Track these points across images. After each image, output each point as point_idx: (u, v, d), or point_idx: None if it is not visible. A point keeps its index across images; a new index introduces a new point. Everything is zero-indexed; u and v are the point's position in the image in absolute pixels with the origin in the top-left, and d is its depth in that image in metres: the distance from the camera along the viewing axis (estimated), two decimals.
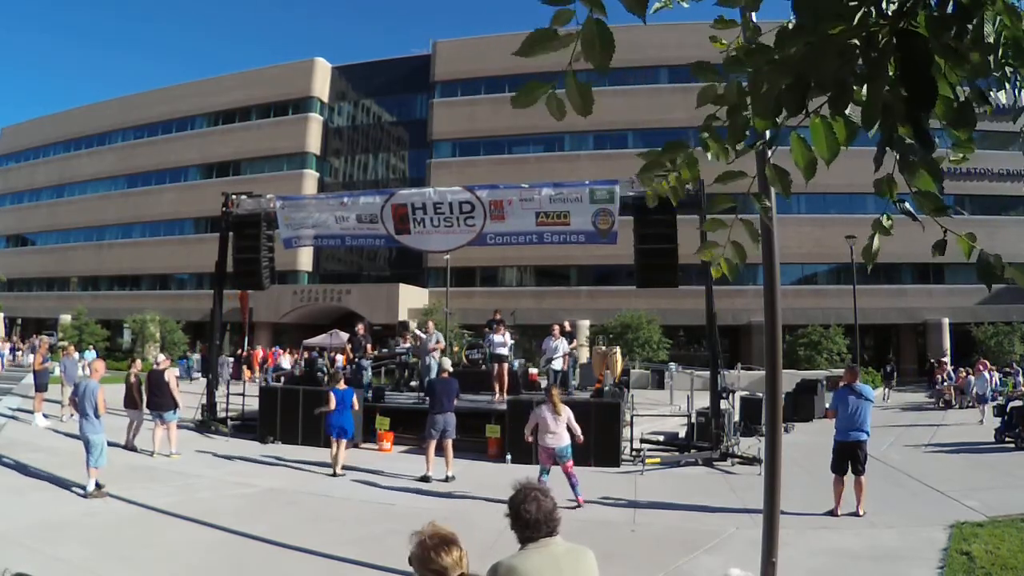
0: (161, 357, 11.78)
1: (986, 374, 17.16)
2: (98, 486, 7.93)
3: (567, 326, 14.81)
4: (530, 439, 8.21)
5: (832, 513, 7.59)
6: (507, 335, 13.47)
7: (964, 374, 21.44)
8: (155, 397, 11.01)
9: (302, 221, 14.35)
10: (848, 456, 7.63)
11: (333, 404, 9.80)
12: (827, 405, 8.07)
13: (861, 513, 7.48)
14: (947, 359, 28.88)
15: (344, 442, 9.84)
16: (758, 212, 2.16)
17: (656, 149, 1.92)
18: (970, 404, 20.04)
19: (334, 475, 9.59)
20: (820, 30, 1.39)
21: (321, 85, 43.95)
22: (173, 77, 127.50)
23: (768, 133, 1.76)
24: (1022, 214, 31.69)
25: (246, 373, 25.95)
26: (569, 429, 7.99)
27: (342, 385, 10.20)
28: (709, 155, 1.91)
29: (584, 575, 2.37)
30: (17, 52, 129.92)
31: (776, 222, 3.08)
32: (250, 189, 16.84)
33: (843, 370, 8.74)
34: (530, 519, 2.37)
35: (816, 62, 1.41)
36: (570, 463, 8.01)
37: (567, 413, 8.02)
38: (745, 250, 2.08)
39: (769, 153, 1.99)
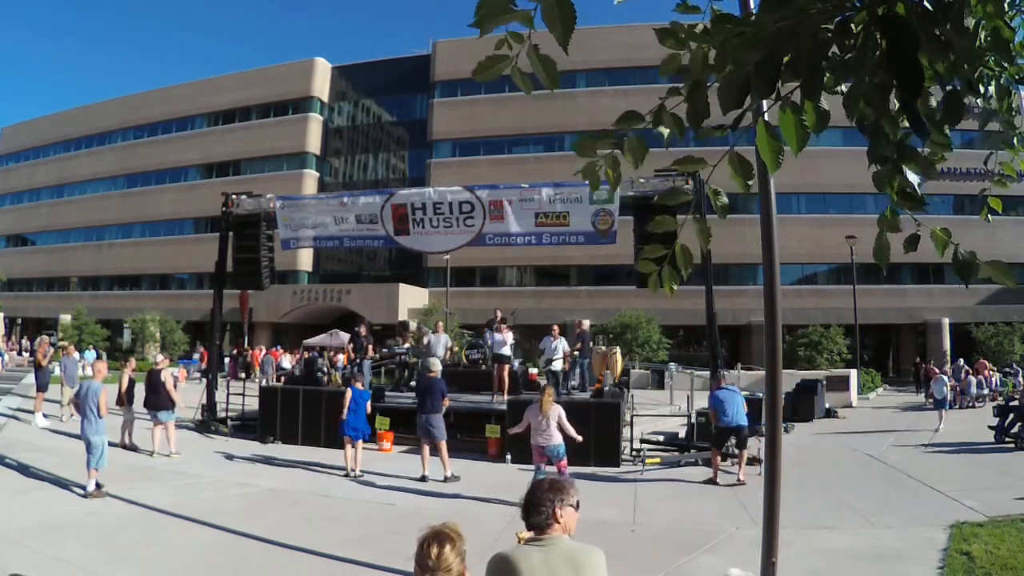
0: (160, 357, 11.80)
1: (944, 378, 16.28)
2: (98, 486, 7.93)
3: (584, 326, 14.77)
4: (514, 431, 8.45)
5: (712, 481, 9.39)
6: (509, 335, 13.43)
7: (964, 374, 21.47)
8: (151, 396, 11.00)
9: (301, 222, 14.35)
10: (731, 434, 9.65)
11: (348, 402, 9.81)
12: (707, 406, 10.40)
13: (742, 479, 9.27)
14: (941, 360, 28.86)
15: (360, 443, 9.84)
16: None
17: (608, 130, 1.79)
18: (970, 404, 20.06)
19: (348, 475, 9.56)
20: (795, 5, 1.33)
21: (321, 85, 43.96)
22: (173, 77, 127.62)
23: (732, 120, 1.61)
24: (1022, 214, 31.69)
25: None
26: (561, 429, 7.95)
27: (360, 386, 10.20)
28: (665, 137, 1.78)
29: (578, 569, 2.28)
30: (17, 52, 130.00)
31: (776, 222, 3.06)
32: (250, 189, 16.83)
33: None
34: (532, 498, 2.39)
35: (788, 40, 1.34)
36: (563, 463, 7.99)
37: (557, 412, 7.98)
38: (692, 255, 1.86)
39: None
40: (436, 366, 10.07)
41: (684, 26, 1.80)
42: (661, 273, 1.89)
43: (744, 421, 9.60)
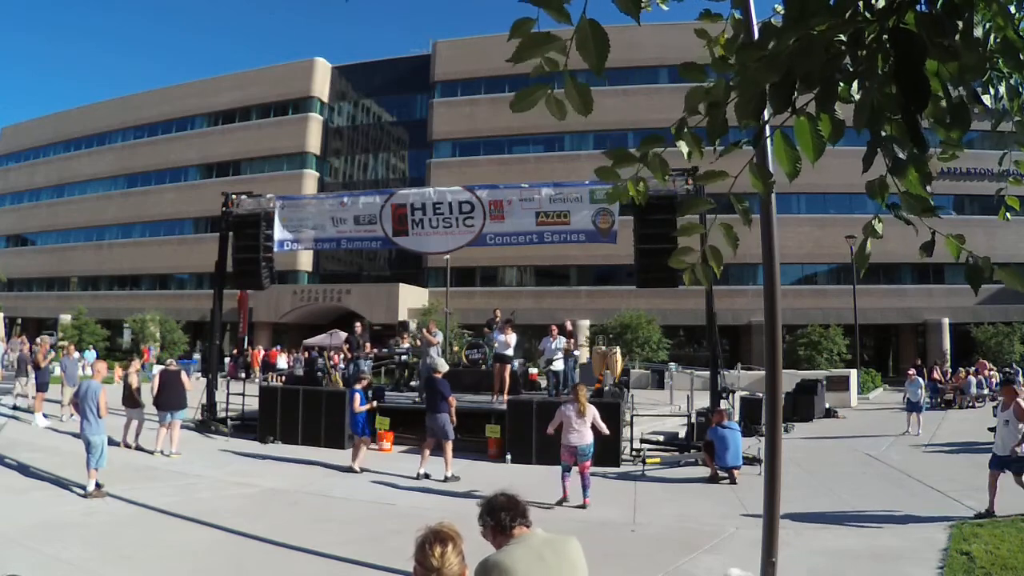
0: (171, 361, 11.92)
1: (918, 379, 14.96)
2: (98, 486, 7.93)
3: (568, 326, 14.80)
4: (550, 432, 8.37)
5: (712, 480, 9.54)
6: (513, 336, 13.45)
7: (964, 374, 21.47)
8: (169, 396, 11.01)
9: (300, 222, 14.33)
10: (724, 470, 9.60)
11: (359, 404, 10.07)
12: (707, 438, 9.93)
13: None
14: (943, 360, 28.79)
15: (367, 439, 10.08)
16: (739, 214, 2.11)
17: (623, 148, 1.85)
18: (969, 404, 20.05)
19: (352, 471, 9.74)
20: (808, 25, 1.37)
21: (321, 85, 43.95)
22: (173, 77, 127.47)
23: (750, 130, 1.68)
24: (1021, 215, 31.73)
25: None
26: (595, 428, 8.07)
27: (359, 386, 10.40)
28: (685, 154, 1.86)
29: (567, 562, 2.44)
30: (17, 52, 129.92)
31: (776, 222, 3.06)
32: (250, 189, 16.83)
33: (713, 410, 10.70)
34: (500, 504, 2.57)
35: (804, 58, 1.39)
36: (588, 464, 8.04)
37: (593, 412, 8.09)
38: (722, 254, 1.98)
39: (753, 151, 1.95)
40: (441, 366, 10.12)
41: (709, 48, 1.89)
42: (695, 269, 2.00)
43: (739, 462, 9.58)
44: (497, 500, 2.61)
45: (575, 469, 8.02)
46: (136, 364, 12.83)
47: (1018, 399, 7.57)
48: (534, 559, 2.36)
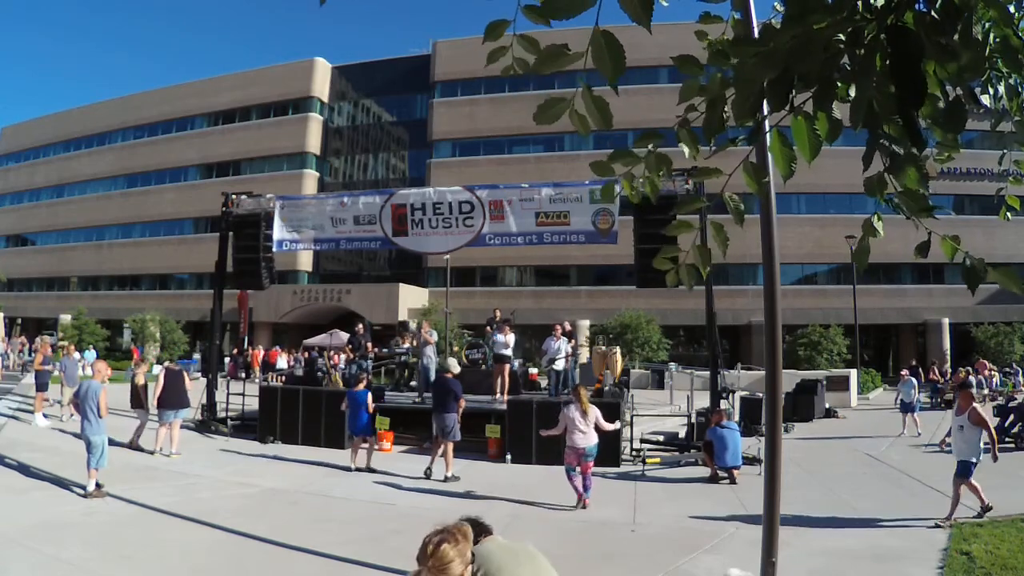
0: (167, 363, 11.95)
1: (912, 379, 14.60)
2: (98, 486, 7.93)
3: (567, 326, 14.81)
4: (545, 434, 8.51)
5: (712, 480, 9.57)
6: (511, 336, 13.46)
7: (963, 374, 21.45)
8: (172, 395, 11.01)
9: (300, 222, 14.33)
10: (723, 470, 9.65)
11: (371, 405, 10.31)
12: (706, 438, 9.94)
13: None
14: (943, 360, 28.76)
15: (371, 439, 10.26)
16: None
17: (625, 148, 1.86)
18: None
19: (362, 470, 9.91)
20: (807, 23, 1.37)
21: (321, 85, 43.94)
22: (173, 77, 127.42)
23: (747, 127, 1.68)
24: (1021, 214, 31.72)
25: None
26: (598, 428, 8.07)
27: (362, 387, 10.52)
28: (685, 152, 1.86)
29: (530, 555, 2.79)
30: (17, 52, 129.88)
31: (776, 222, 3.06)
32: (250, 189, 16.83)
33: (715, 413, 10.57)
34: (475, 524, 2.88)
35: (802, 55, 1.38)
36: (590, 464, 8.04)
37: (595, 412, 8.10)
38: (710, 254, 1.99)
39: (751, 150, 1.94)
40: (454, 367, 10.14)
41: (705, 43, 1.90)
42: (679, 271, 2.01)
43: (739, 462, 9.58)
44: (470, 518, 2.96)
45: (577, 469, 8.02)
46: (145, 365, 12.79)
47: (974, 405, 7.72)
48: (505, 550, 2.75)
